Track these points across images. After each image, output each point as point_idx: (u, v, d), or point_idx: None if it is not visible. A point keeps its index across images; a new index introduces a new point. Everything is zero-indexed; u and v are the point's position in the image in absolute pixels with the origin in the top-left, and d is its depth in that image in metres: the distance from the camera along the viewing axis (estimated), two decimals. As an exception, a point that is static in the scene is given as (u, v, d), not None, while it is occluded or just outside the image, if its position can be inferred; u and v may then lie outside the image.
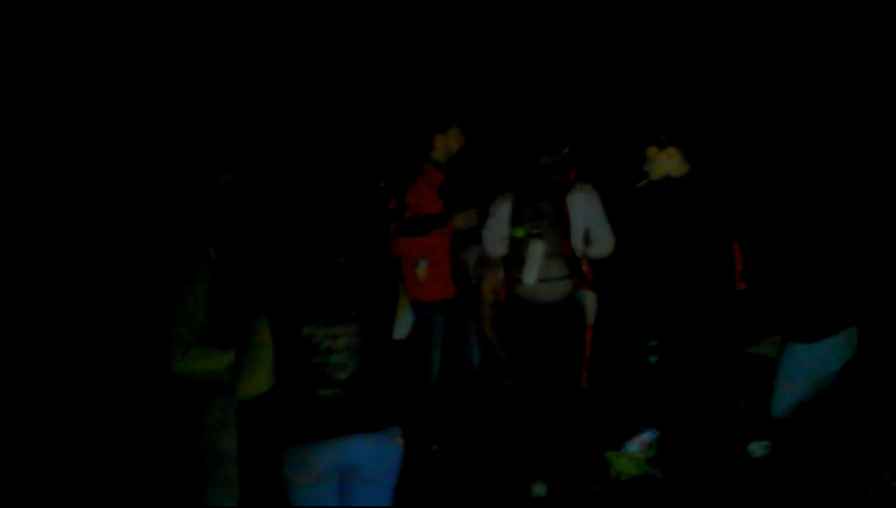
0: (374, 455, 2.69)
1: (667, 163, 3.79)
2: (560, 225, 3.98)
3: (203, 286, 3.00)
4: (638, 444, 4.14)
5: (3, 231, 4.54)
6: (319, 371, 2.64)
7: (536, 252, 3.96)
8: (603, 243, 4.05)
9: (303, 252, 2.73)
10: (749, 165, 4.31)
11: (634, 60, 5.45)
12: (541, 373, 4.00)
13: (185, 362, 2.98)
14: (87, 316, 4.53)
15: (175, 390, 3.12)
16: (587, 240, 4.04)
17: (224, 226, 3.08)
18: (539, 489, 3.95)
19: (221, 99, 5.15)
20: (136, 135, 4.91)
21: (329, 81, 5.55)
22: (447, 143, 4.41)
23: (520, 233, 3.99)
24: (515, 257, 4.00)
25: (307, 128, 5.30)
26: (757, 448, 3.99)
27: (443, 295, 4.38)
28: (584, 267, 4.11)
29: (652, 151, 3.81)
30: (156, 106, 4.97)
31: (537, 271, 3.96)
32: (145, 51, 5.00)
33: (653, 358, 4.18)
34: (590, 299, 4.13)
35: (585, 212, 4.00)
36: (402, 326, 2.84)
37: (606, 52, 5.55)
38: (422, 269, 4.29)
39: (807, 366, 3.69)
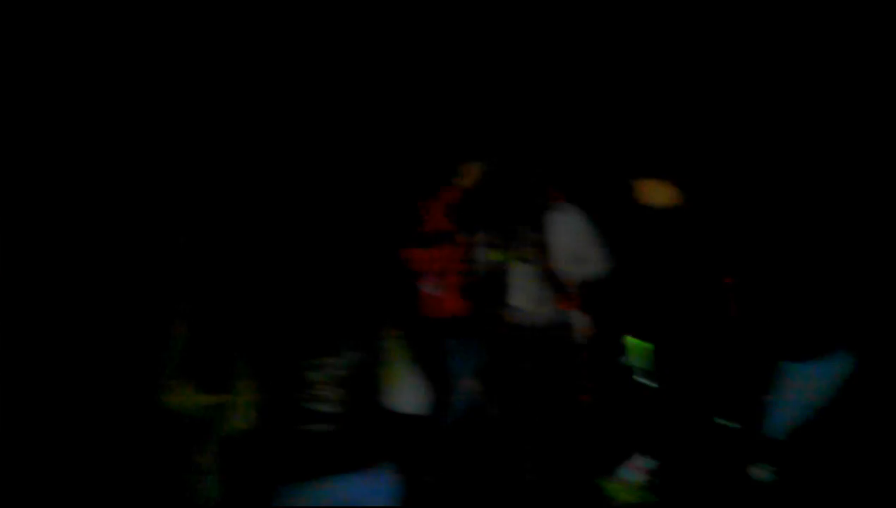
0: (367, 494, 2.62)
1: (655, 193, 3.80)
2: (541, 247, 3.96)
3: (188, 317, 2.95)
4: (632, 470, 4.08)
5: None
6: (306, 406, 2.58)
7: (519, 275, 3.93)
8: (591, 263, 4.03)
9: (280, 289, 2.69)
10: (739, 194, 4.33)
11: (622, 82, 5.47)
12: (532, 398, 3.96)
13: (174, 396, 2.92)
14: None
15: (162, 430, 3.06)
16: (576, 261, 4.02)
17: (201, 266, 3.05)
18: None
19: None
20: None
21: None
22: (474, 173, 4.41)
23: (500, 257, 3.96)
24: (500, 283, 3.97)
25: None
26: (758, 472, 3.95)
27: (453, 313, 4.30)
28: (575, 290, 4.08)
29: (638, 182, 3.82)
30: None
31: (523, 295, 3.93)
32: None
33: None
34: (579, 320, 4.09)
35: (570, 234, 3.98)
36: (406, 393, 2.69)
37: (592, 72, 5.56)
38: (434, 284, 4.27)
39: (799, 387, 3.68)
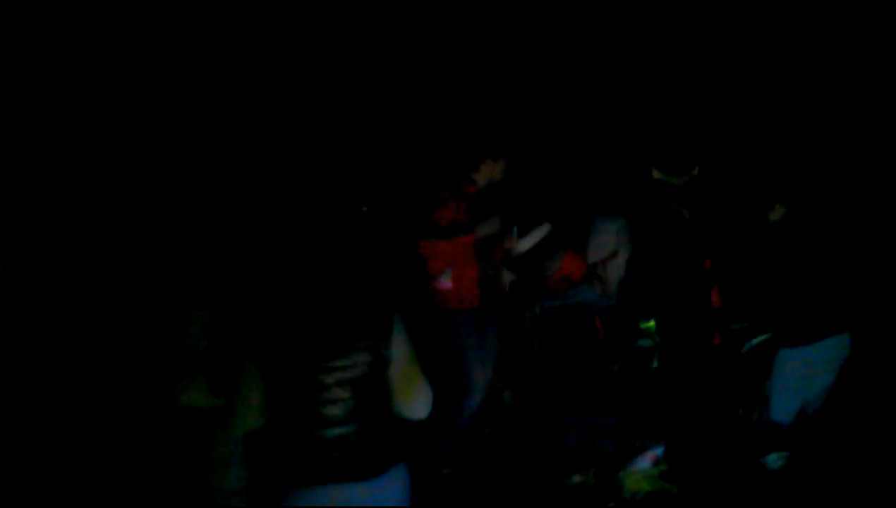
0: (373, 501, 2.55)
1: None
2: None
3: (205, 314, 2.98)
4: (649, 460, 4.11)
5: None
6: (316, 408, 2.52)
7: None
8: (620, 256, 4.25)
9: (293, 288, 2.66)
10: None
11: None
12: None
13: (190, 393, 2.99)
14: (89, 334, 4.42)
15: (182, 420, 3.09)
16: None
17: (222, 248, 3.08)
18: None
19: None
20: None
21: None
22: (492, 171, 4.45)
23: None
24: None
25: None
26: (773, 459, 3.96)
27: (467, 305, 4.32)
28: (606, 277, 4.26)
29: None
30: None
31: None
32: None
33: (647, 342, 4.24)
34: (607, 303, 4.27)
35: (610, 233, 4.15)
36: (417, 397, 2.63)
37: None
38: (447, 277, 4.31)
39: (799, 372, 3.70)
